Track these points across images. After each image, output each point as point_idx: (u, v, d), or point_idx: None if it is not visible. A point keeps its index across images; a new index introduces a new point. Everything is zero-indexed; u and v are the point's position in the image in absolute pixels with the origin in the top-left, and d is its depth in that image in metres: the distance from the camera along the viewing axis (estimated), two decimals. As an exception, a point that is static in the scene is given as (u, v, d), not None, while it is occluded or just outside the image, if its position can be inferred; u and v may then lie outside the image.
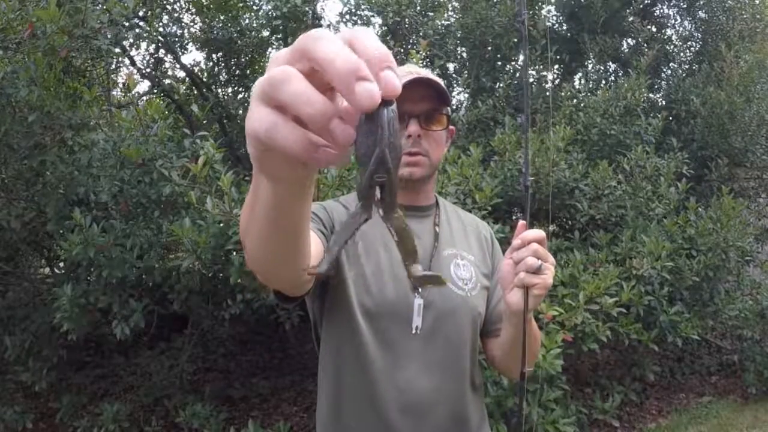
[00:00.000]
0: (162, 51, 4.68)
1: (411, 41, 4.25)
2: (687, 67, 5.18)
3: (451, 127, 1.10)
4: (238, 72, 4.72)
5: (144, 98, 4.66)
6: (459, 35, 4.33)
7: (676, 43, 5.32)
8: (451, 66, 4.58)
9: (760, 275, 4.25)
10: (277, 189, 0.48)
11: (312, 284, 0.86)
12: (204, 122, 4.38)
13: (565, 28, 5.04)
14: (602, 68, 4.90)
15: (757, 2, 5.02)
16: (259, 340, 4.38)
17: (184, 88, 4.67)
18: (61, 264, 3.56)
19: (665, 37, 5.28)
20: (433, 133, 1.04)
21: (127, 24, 2.84)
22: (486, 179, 2.91)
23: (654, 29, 5.08)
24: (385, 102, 0.35)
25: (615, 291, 2.83)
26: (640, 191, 3.45)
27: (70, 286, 2.54)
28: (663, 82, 5.18)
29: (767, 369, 3.85)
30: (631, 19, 4.59)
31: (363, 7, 4.37)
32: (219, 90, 4.80)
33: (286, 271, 0.69)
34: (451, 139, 1.15)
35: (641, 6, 4.82)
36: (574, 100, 4.11)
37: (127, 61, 4.49)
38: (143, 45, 4.44)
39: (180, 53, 4.59)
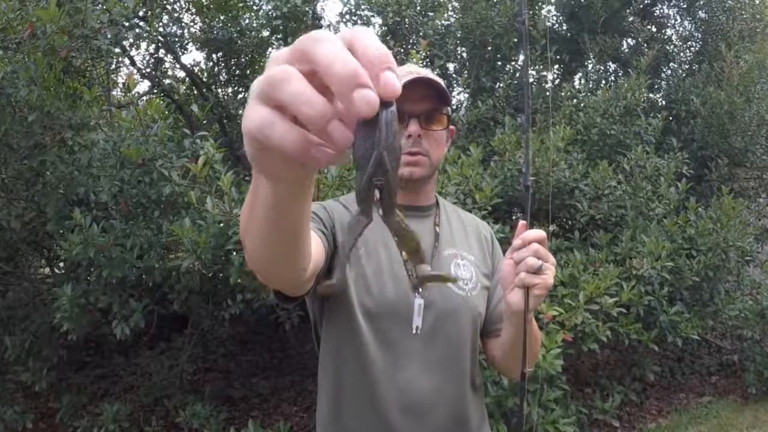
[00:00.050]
0: (162, 51, 4.68)
1: (411, 41, 4.25)
2: (687, 67, 5.18)
3: (451, 126, 1.10)
4: (238, 72, 4.72)
5: (144, 98, 4.66)
6: (459, 35, 4.33)
7: (676, 43, 5.32)
8: (451, 66, 4.58)
9: (760, 275, 4.25)
10: (276, 189, 0.48)
11: (312, 284, 0.86)
12: (204, 122, 4.38)
13: (565, 28, 5.04)
14: (602, 68, 4.91)
15: (757, 2, 5.02)
16: (259, 340, 4.38)
17: (184, 88, 4.67)
18: (61, 264, 3.56)
19: (665, 37, 5.28)
20: (433, 133, 1.04)
21: (127, 24, 2.84)
22: (486, 179, 2.91)
23: (654, 29, 5.08)
24: (385, 103, 0.34)
25: (615, 291, 2.83)
26: (640, 191, 3.45)
27: (70, 286, 2.54)
28: (663, 82, 5.18)
29: (767, 369, 3.85)
30: (631, 19, 4.60)
31: (363, 7, 4.37)
32: (219, 90, 4.80)
33: (286, 271, 0.69)
34: (452, 139, 1.15)
35: (641, 6, 4.82)
36: (574, 100, 4.11)
37: (127, 61, 4.50)
38: (143, 45, 4.44)
39: (180, 53, 4.59)
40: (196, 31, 4.69)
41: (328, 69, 0.33)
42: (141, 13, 4.00)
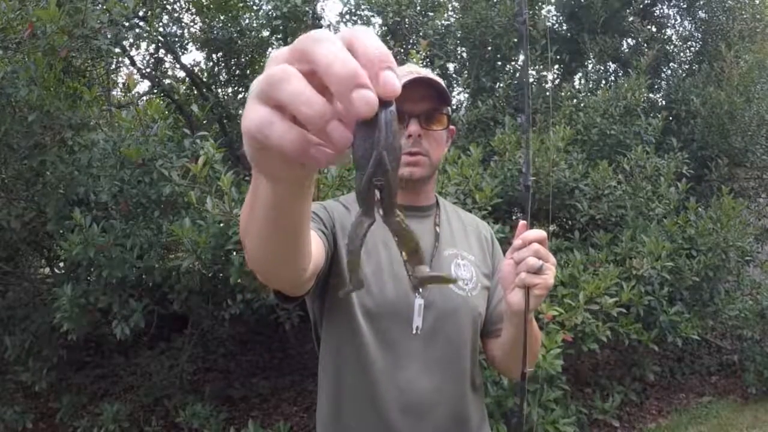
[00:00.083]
0: (162, 51, 4.68)
1: (411, 41, 4.25)
2: (687, 67, 5.18)
3: (451, 126, 1.10)
4: (238, 72, 4.72)
5: (144, 98, 4.66)
6: (459, 35, 4.32)
7: (676, 43, 5.32)
8: (451, 66, 4.58)
9: (760, 275, 4.25)
10: (276, 189, 0.48)
11: (312, 284, 0.86)
12: (204, 122, 4.38)
13: (565, 28, 5.05)
14: (602, 68, 4.91)
15: (757, 2, 5.02)
16: (259, 340, 4.38)
17: (184, 88, 4.67)
18: (61, 264, 3.56)
19: (665, 37, 5.28)
20: (433, 133, 1.04)
21: (127, 24, 2.84)
22: (486, 179, 2.91)
23: (654, 29, 5.08)
24: (384, 103, 0.34)
25: (615, 291, 2.83)
26: (640, 191, 3.45)
27: (70, 286, 2.54)
28: (663, 82, 5.18)
29: (767, 369, 3.85)
30: (631, 19, 4.60)
31: (363, 7, 4.37)
32: (219, 90, 4.80)
33: (286, 271, 0.69)
34: (452, 139, 1.15)
35: (641, 6, 4.82)
36: (574, 100, 4.11)
37: (127, 61, 4.50)
38: (143, 45, 4.44)
39: (180, 53, 4.59)
40: (196, 31, 4.69)
41: (327, 69, 0.33)
42: (141, 13, 4.00)
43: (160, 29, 4.31)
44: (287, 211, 0.52)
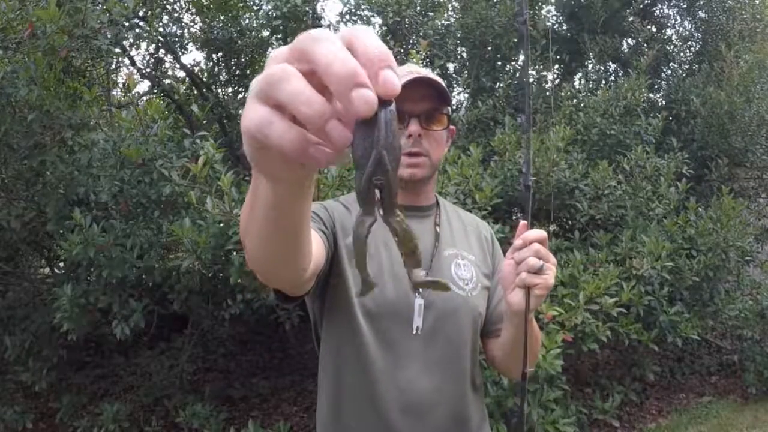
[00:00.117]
0: (162, 51, 4.68)
1: (411, 41, 4.25)
2: (687, 67, 5.18)
3: (451, 126, 1.10)
4: (238, 72, 4.72)
5: (144, 98, 4.66)
6: (459, 35, 4.32)
7: (676, 43, 5.32)
8: (451, 66, 4.58)
9: (760, 275, 4.25)
10: (276, 189, 0.48)
11: (312, 284, 0.86)
12: (204, 122, 4.38)
13: (565, 28, 5.05)
14: (602, 68, 4.91)
15: (757, 2, 5.02)
16: (259, 340, 4.38)
17: (184, 88, 4.67)
18: (61, 264, 3.56)
19: (665, 37, 5.28)
20: (433, 133, 1.04)
21: (127, 24, 2.84)
22: (486, 179, 2.91)
23: (654, 29, 5.08)
24: (384, 102, 0.34)
25: (615, 291, 2.83)
26: (640, 191, 3.45)
27: (70, 286, 2.54)
28: (663, 82, 5.18)
29: (767, 369, 3.85)
30: (631, 19, 4.60)
31: (363, 7, 4.37)
32: (219, 90, 4.80)
33: (286, 271, 0.69)
34: (452, 139, 1.15)
35: (641, 6, 4.82)
36: (574, 100, 4.11)
37: (127, 61, 4.50)
38: (143, 45, 4.44)
39: (180, 53, 4.59)
40: (196, 31, 4.69)
41: (326, 68, 0.33)
42: (141, 13, 4.00)
43: (160, 29, 4.31)
44: (287, 211, 0.52)
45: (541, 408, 2.64)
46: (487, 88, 4.31)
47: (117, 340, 2.70)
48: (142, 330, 2.78)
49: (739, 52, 4.44)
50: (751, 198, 4.72)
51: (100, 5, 2.73)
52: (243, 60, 4.63)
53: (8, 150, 2.75)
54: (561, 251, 3.17)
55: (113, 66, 4.38)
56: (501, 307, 1.09)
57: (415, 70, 1.03)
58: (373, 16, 4.35)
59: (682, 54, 5.32)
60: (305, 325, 3.07)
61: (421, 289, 1.01)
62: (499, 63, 4.65)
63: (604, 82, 4.82)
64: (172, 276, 2.70)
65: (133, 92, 2.87)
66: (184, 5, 4.76)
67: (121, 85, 4.65)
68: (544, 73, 4.66)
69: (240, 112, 4.57)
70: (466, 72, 4.50)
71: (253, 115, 0.36)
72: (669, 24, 5.42)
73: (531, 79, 4.44)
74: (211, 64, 4.77)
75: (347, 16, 4.52)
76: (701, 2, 5.02)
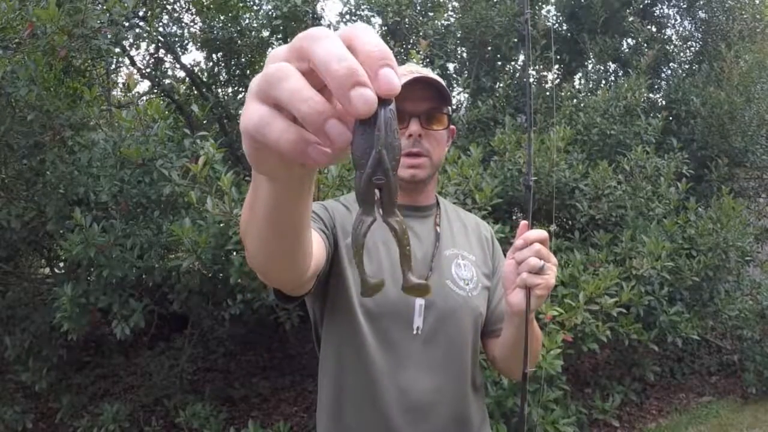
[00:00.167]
0: (162, 51, 4.68)
1: (411, 41, 4.25)
2: (687, 67, 5.17)
3: (451, 126, 1.10)
4: (238, 72, 4.71)
5: (144, 98, 4.65)
6: (459, 35, 4.32)
7: (676, 43, 5.32)
8: (451, 66, 4.57)
9: (760, 275, 4.25)
10: (276, 188, 0.48)
11: (313, 284, 0.86)
12: (204, 122, 4.38)
13: (565, 28, 5.04)
14: (602, 68, 4.90)
15: (757, 2, 5.02)
16: (259, 340, 4.38)
17: (184, 88, 4.66)
18: (61, 264, 3.56)
19: (665, 37, 5.27)
20: (434, 133, 1.04)
21: (127, 24, 2.84)
22: (486, 179, 2.91)
23: (654, 29, 5.08)
24: (383, 101, 0.34)
25: (615, 291, 2.83)
26: (640, 191, 3.45)
27: (70, 286, 2.54)
28: (663, 82, 5.18)
29: (767, 369, 3.85)
30: (631, 19, 4.59)
31: (363, 7, 4.37)
32: (219, 90, 4.79)
33: (287, 271, 0.69)
34: (452, 139, 1.14)
35: (641, 6, 4.82)
36: (574, 100, 4.11)
37: (127, 61, 4.49)
38: (143, 45, 4.43)
39: (180, 53, 4.59)
40: (196, 31, 4.68)
41: (325, 67, 0.33)
42: (141, 13, 4.00)
43: (160, 29, 4.31)
44: (287, 211, 0.52)
45: (541, 408, 2.63)
46: (487, 88, 4.31)
47: (117, 340, 2.69)
48: (142, 330, 2.78)
49: (739, 52, 4.43)
50: (751, 198, 4.72)
51: (100, 5, 2.72)
52: (243, 60, 4.62)
53: (8, 150, 2.75)
54: (561, 251, 3.17)
55: (113, 66, 4.37)
56: (501, 307, 1.09)
57: (415, 69, 1.03)
58: (373, 16, 4.35)
59: (682, 54, 5.32)
60: (305, 325, 3.07)
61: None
62: (499, 63, 4.64)
63: (604, 82, 4.81)
64: (172, 276, 2.69)
65: (133, 92, 2.86)
66: (184, 5, 4.75)
67: (121, 85, 4.65)
68: (544, 73, 4.66)
69: (240, 112, 4.56)
70: (466, 72, 4.50)
71: (252, 114, 0.36)
72: (669, 24, 5.41)
73: (531, 79, 4.44)
74: (211, 64, 4.76)
75: (347, 16, 4.52)
76: (701, 2, 5.01)
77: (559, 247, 3.21)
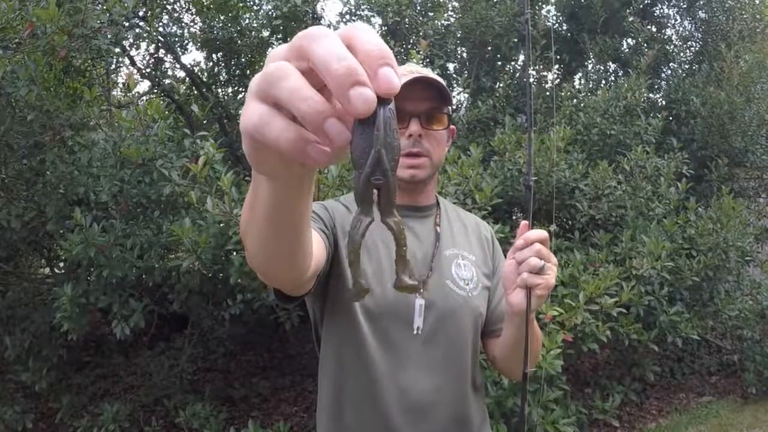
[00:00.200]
0: (162, 51, 4.68)
1: (411, 41, 4.25)
2: (687, 67, 5.17)
3: (451, 126, 1.10)
4: (238, 72, 4.71)
5: (144, 98, 4.65)
6: (459, 35, 4.32)
7: (676, 43, 5.32)
8: (451, 66, 4.57)
9: (760, 275, 4.25)
10: (276, 188, 0.48)
11: (313, 284, 0.86)
12: (204, 122, 4.37)
13: (565, 28, 5.04)
14: (602, 68, 4.90)
15: (757, 2, 5.02)
16: (259, 340, 4.38)
17: (184, 88, 4.66)
18: (61, 264, 3.55)
19: (665, 37, 5.27)
20: (434, 133, 1.04)
21: (127, 24, 2.84)
22: (486, 179, 2.91)
23: (654, 29, 5.08)
24: (383, 101, 0.34)
25: (615, 291, 2.83)
26: (640, 191, 3.45)
27: (70, 286, 2.54)
28: (663, 82, 5.18)
29: (767, 369, 3.85)
30: (631, 19, 4.59)
31: (363, 7, 4.37)
32: (219, 90, 4.79)
33: (287, 271, 0.69)
34: (452, 139, 1.14)
35: (641, 6, 4.82)
36: (574, 100, 4.11)
37: (127, 61, 4.49)
38: (143, 45, 4.43)
39: (180, 53, 4.59)
40: (196, 31, 4.68)
41: (325, 66, 0.33)
42: (141, 13, 4.00)
43: (160, 29, 4.30)
44: (287, 211, 0.52)
45: (541, 408, 2.63)
46: (487, 88, 4.31)
47: (117, 340, 2.69)
48: (142, 330, 2.78)
49: (739, 52, 4.43)
50: (751, 198, 4.72)
51: (100, 5, 2.72)
52: (243, 60, 4.62)
53: (8, 150, 2.75)
54: (561, 251, 3.17)
55: (113, 66, 4.37)
56: (501, 307, 1.09)
57: (415, 69, 1.03)
58: (373, 16, 4.35)
59: (682, 54, 5.31)
60: (305, 325, 3.07)
61: (421, 289, 1.02)
62: (499, 63, 4.64)
63: (604, 82, 4.81)
64: (172, 276, 2.69)
65: (133, 92, 2.86)
66: (184, 5, 4.75)
67: (121, 85, 4.65)
68: (544, 73, 4.66)
69: (240, 112, 4.55)
70: (466, 72, 4.50)
71: (252, 113, 0.36)
72: (669, 24, 5.41)
73: (531, 79, 4.44)
74: (211, 64, 4.76)
75: (347, 16, 4.52)
76: (701, 2, 5.01)
77: (559, 247, 3.20)
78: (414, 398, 0.98)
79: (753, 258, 4.14)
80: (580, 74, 5.00)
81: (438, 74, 1.10)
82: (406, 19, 4.16)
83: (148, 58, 4.74)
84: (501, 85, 4.30)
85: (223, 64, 4.75)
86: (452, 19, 4.49)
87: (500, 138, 3.29)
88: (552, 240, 0.89)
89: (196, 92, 4.82)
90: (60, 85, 2.73)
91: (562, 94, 4.16)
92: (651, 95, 4.92)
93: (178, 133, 2.80)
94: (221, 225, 2.37)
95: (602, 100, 3.83)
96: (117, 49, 3.53)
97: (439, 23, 4.31)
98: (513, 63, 4.66)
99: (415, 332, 1.00)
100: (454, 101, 4.63)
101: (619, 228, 3.45)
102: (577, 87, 4.60)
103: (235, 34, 4.28)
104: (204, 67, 4.83)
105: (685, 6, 5.19)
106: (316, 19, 4.25)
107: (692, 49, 5.28)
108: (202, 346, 3.83)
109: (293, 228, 0.57)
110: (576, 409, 3.10)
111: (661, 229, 3.35)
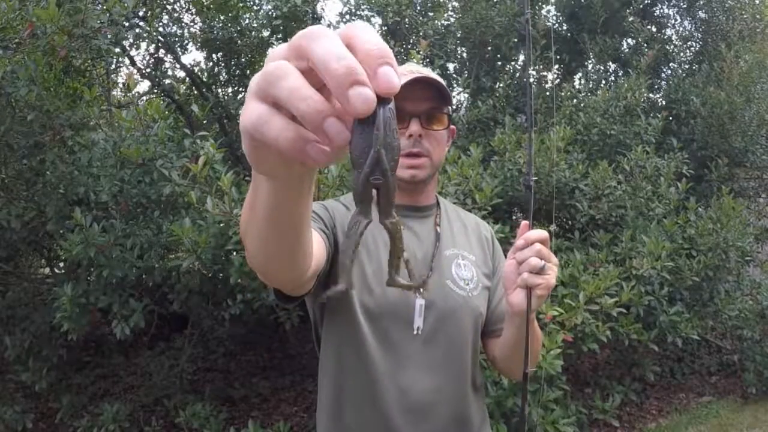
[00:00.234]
0: (162, 51, 4.68)
1: (411, 41, 4.25)
2: (687, 67, 5.17)
3: (452, 126, 1.10)
4: (238, 72, 4.71)
5: (144, 98, 4.65)
6: (459, 35, 4.32)
7: (676, 43, 5.32)
8: (451, 66, 4.57)
9: (760, 275, 4.25)
10: (276, 188, 0.48)
11: (313, 284, 0.86)
12: (204, 122, 4.37)
13: (565, 28, 5.04)
14: (602, 68, 4.90)
15: (757, 2, 5.02)
16: (259, 340, 4.38)
17: (184, 88, 4.66)
18: (61, 264, 3.55)
19: (665, 37, 5.27)
20: (434, 133, 1.04)
21: (127, 24, 2.84)
22: (486, 179, 2.91)
23: (654, 29, 5.08)
24: (383, 100, 0.34)
25: (615, 291, 2.83)
26: (640, 191, 3.45)
27: (70, 286, 2.54)
28: (663, 82, 5.18)
29: (767, 369, 3.85)
30: (631, 19, 4.59)
31: (363, 7, 4.37)
32: (219, 90, 4.79)
33: (287, 271, 0.69)
34: (452, 139, 1.14)
35: (641, 6, 4.82)
36: (574, 100, 4.11)
37: (127, 61, 4.49)
38: (143, 45, 4.43)
39: (180, 53, 4.59)
40: (196, 31, 4.68)
41: (324, 66, 0.33)
42: (141, 13, 4.00)
43: (160, 29, 4.30)
44: (287, 211, 0.52)
45: (541, 408, 2.63)
46: (487, 88, 4.31)
47: (117, 340, 2.69)
48: (142, 330, 2.78)
49: (739, 52, 4.43)
50: (751, 198, 4.72)
51: (100, 5, 2.72)
52: (243, 60, 4.62)
53: (8, 150, 2.75)
54: (561, 251, 3.17)
55: (113, 66, 4.37)
56: (502, 307, 1.09)
57: (416, 69, 1.03)
58: (373, 16, 4.35)
59: (682, 54, 5.31)
60: (305, 325, 3.07)
61: (421, 289, 1.01)
62: (499, 63, 4.64)
63: (604, 82, 4.82)
64: (172, 276, 2.69)
65: (133, 92, 2.86)
66: (184, 5, 4.75)
67: (121, 85, 4.65)
68: (544, 73, 4.66)
69: (240, 112, 4.55)
70: (466, 72, 4.50)
71: (251, 112, 0.36)
72: (669, 24, 5.41)
73: (531, 79, 4.44)
74: (211, 64, 4.76)
75: (347, 16, 4.52)
76: (701, 2, 5.01)
77: (559, 247, 3.20)
78: (414, 398, 0.98)
79: (753, 258, 4.14)
80: (580, 74, 5.01)
81: (438, 74, 1.09)
82: (406, 19, 4.16)
83: (148, 58, 4.74)
84: (501, 85, 4.30)
85: (223, 64, 4.75)
86: (452, 19, 4.49)
87: (500, 138, 3.29)
88: (552, 240, 0.89)
89: (196, 92, 4.82)
90: (60, 85, 2.73)
91: (562, 94, 4.16)
92: (651, 95, 4.92)
93: (178, 133, 2.80)
94: (221, 225, 2.37)
95: (602, 100, 3.83)
96: (117, 49, 3.53)
97: (439, 23, 4.31)
98: (513, 63, 4.66)
99: (415, 332, 1.00)
100: (454, 101, 4.63)
101: (619, 228, 3.45)
102: (577, 87, 4.60)
103: (235, 34, 4.28)
104: (204, 67, 4.83)
105: (685, 6, 5.19)
106: (316, 19, 4.25)
107: (692, 49, 5.28)
108: (202, 346, 3.83)
109: (293, 228, 0.57)
110: (576, 409, 3.10)
111: (661, 229, 3.35)
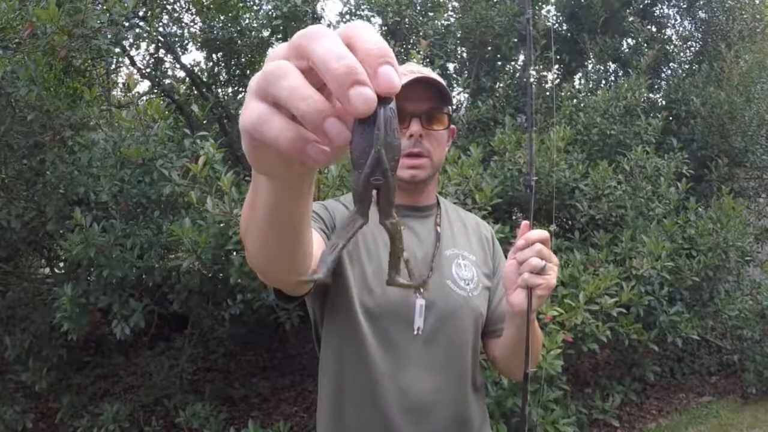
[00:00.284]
0: (162, 51, 4.68)
1: (411, 41, 4.25)
2: (687, 67, 5.17)
3: (452, 126, 1.10)
4: (238, 72, 4.71)
5: (144, 98, 4.65)
6: (459, 35, 4.32)
7: (676, 43, 5.32)
8: (451, 66, 4.57)
9: (760, 275, 4.25)
10: (276, 188, 0.48)
11: (313, 284, 0.86)
12: (204, 122, 4.37)
13: (565, 28, 5.04)
14: (602, 68, 4.90)
15: (757, 2, 5.02)
16: (259, 340, 4.38)
17: (184, 88, 4.66)
18: (61, 264, 3.55)
19: (665, 37, 5.27)
20: (434, 133, 1.04)
21: (127, 24, 2.84)
22: (486, 179, 2.91)
23: (654, 29, 5.08)
24: (383, 100, 0.33)
25: (615, 291, 2.83)
26: (640, 191, 3.45)
27: (70, 285, 2.53)
28: (663, 82, 5.18)
29: (767, 369, 3.85)
30: (631, 19, 4.59)
31: (363, 7, 4.37)
32: (219, 90, 4.79)
33: (287, 271, 0.69)
34: (453, 139, 1.14)
35: (641, 6, 4.82)
36: (574, 100, 4.11)
37: (127, 61, 4.49)
38: (143, 45, 4.44)
39: (180, 53, 4.59)
40: (196, 31, 4.68)
41: (324, 65, 0.33)
42: (141, 13, 4.00)
43: (160, 29, 4.30)
44: (288, 211, 0.52)
45: (541, 408, 2.63)
46: (487, 88, 4.31)
47: (117, 340, 2.69)
48: (142, 330, 2.78)
49: (739, 52, 4.43)
50: (751, 198, 4.72)
51: (100, 5, 2.72)
52: (243, 60, 4.62)
53: (8, 150, 2.75)
54: (561, 251, 3.17)
55: (113, 66, 4.37)
56: (502, 307, 1.08)
57: (416, 69, 1.03)
58: (373, 16, 4.34)
59: (682, 54, 5.32)
60: (305, 325, 3.06)
61: (421, 289, 1.01)
62: (499, 63, 4.65)
63: (604, 82, 4.82)
64: (172, 276, 2.69)
65: (133, 92, 2.86)
66: (184, 5, 4.75)
67: (121, 85, 4.65)
68: (544, 73, 4.66)
69: (240, 111, 4.55)
70: (466, 72, 4.50)
71: (251, 112, 0.35)
72: (669, 24, 5.41)
73: (531, 79, 4.44)
74: (211, 64, 4.76)
75: (347, 16, 4.52)
76: (701, 2, 5.01)
77: (559, 247, 3.20)
78: (414, 398, 0.98)
79: (753, 258, 4.14)
80: (580, 74, 5.01)
81: (438, 74, 1.09)
82: (406, 19, 4.16)
83: (148, 58, 4.74)
84: (501, 85, 4.30)
85: (223, 64, 4.75)
86: (452, 19, 4.49)
87: (500, 138, 3.29)
88: (552, 240, 0.89)
89: (196, 92, 4.82)
90: (60, 85, 2.73)
91: (562, 94, 4.16)
92: (651, 95, 4.92)
93: (178, 133, 2.80)
94: (221, 225, 2.37)
95: (602, 100, 3.83)
96: (117, 49, 3.53)
97: (439, 23, 4.31)
98: (513, 63, 4.66)
99: (415, 332, 1.00)
100: (454, 101, 4.63)
101: (619, 228, 3.45)
102: (577, 87, 4.60)
103: (235, 34, 4.28)
104: (204, 67, 4.83)
105: (685, 6, 5.20)
106: (316, 19, 4.25)
107: (692, 49, 5.28)
108: (202, 346, 3.83)
109: (293, 228, 0.57)
110: (576, 409, 3.10)
111: (661, 229, 3.35)
